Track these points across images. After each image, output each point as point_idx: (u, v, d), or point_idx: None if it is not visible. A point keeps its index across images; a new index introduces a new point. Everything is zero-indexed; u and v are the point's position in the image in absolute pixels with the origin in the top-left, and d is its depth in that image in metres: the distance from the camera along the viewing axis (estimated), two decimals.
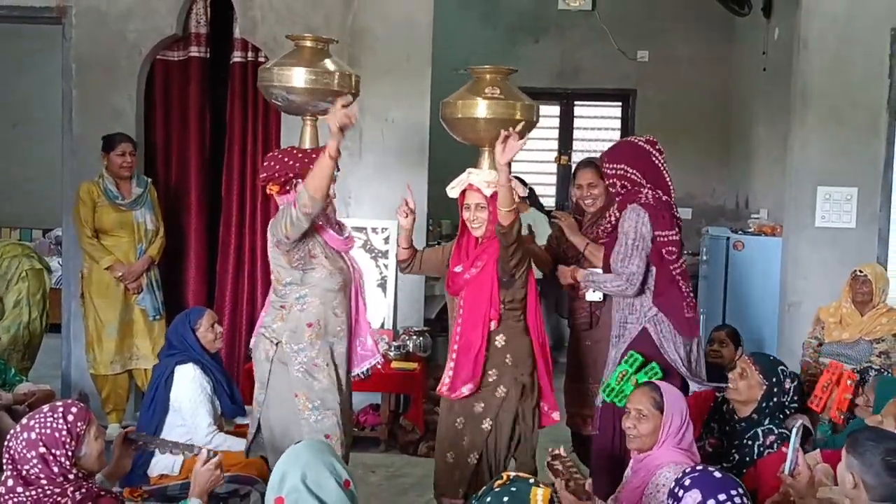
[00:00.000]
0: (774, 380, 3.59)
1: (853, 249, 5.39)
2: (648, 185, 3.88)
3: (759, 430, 3.54)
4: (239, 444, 3.98)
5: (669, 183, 3.94)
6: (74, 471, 2.74)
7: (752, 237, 6.34)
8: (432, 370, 5.79)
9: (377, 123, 5.69)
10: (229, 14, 5.84)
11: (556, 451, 3.02)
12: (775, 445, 3.46)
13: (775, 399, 3.59)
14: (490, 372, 3.81)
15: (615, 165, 3.93)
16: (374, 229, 5.70)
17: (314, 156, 3.60)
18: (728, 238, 6.37)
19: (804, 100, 5.47)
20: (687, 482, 2.61)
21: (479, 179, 3.81)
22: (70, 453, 2.73)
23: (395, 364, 5.45)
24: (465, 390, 3.80)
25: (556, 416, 3.98)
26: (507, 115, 3.83)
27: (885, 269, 5.23)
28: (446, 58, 6.31)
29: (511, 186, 3.62)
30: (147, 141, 5.90)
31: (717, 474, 2.64)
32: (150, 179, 5.58)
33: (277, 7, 5.68)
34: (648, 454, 3.26)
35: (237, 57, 5.86)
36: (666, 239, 3.84)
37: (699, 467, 2.71)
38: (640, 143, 3.98)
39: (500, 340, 3.81)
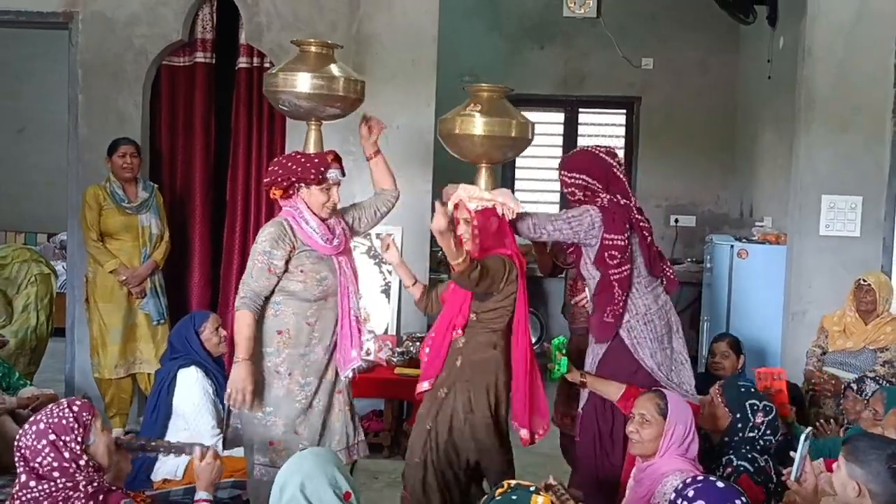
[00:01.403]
0: (739, 415, 3.51)
1: (858, 258, 5.39)
2: (605, 192, 3.86)
3: (723, 460, 3.48)
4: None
5: (626, 185, 3.92)
6: (85, 458, 2.78)
7: (756, 245, 6.33)
8: None
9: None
10: (235, 20, 5.86)
11: (549, 482, 2.95)
12: (731, 478, 3.35)
13: (741, 434, 3.50)
14: (441, 372, 3.81)
15: (574, 175, 3.89)
16: (377, 235, 5.69)
17: (316, 160, 3.69)
18: (732, 246, 6.36)
19: (809, 108, 5.47)
20: (690, 493, 2.59)
21: (464, 194, 3.80)
22: (80, 439, 2.78)
23: (398, 370, 5.45)
24: (426, 384, 3.83)
25: (524, 433, 3.86)
26: (501, 132, 3.84)
27: (890, 278, 5.22)
28: (452, 64, 6.34)
29: (449, 238, 3.49)
30: (153, 146, 5.92)
31: (720, 484, 2.62)
32: (156, 185, 5.61)
33: (283, 13, 5.70)
34: (651, 463, 3.25)
35: (243, 63, 5.88)
36: (610, 243, 3.80)
37: (700, 477, 2.70)
38: (599, 152, 3.94)
39: (458, 342, 3.78)
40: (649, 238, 3.93)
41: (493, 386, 3.78)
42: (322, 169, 3.67)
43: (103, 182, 5.43)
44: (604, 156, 3.93)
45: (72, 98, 5.81)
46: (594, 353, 3.96)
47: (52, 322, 6.00)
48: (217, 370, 4.18)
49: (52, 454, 2.73)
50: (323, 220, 3.72)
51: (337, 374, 3.79)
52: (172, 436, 3.99)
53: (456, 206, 3.83)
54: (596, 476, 3.84)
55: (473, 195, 3.80)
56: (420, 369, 5.34)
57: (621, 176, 3.92)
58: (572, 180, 3.90)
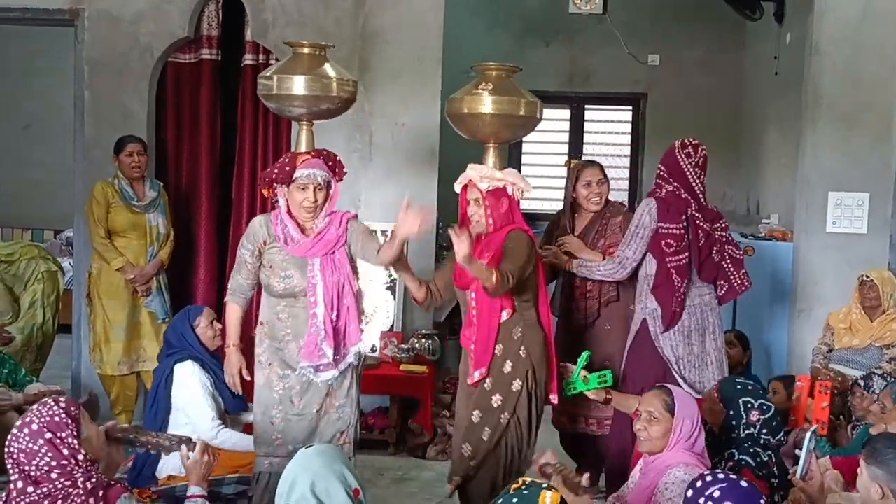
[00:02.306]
0: (732, 411, 3.51)
1: (864, 255, 5.37)
2: (672, 182, 4.06)
3: (725, 454, 3.49)
4: (246, 441, 4.00)
5: (691, 181, 4.07)
6: (83, 452, 2.76)
7: (762, 242, 6.30)
8: (441, 373, 5.79)
9: (387, 126, 5.69)
10: (241, 17, 5.85)
11: (545, 461, 3.07)
12: (733, 472, 3.35)
13: (735, 431, 3.49)
14: (507, 363, 3.80)
15: (659, 164, 4.18)
16: (383, 231, 5.68)
17: (288, 160, 3.76)
18: (738, 243, 6.34)
19: (816, 104, 5.45)
20: (716, 494, 2.54)
21: (475, 174, 3.82)
22: (75, 433, 2.76)
23: (403, 367, 5.45)
24: (477, 375, 3.81)
25: (553, 398, 3.95)
26: (510, 111, 3.90)
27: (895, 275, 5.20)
28: (457, 61, 6.30)
29: (476, 262, 3.57)
30: (158, 143, 5.92)
31: (744, 483, 2.59)
32: (161, 184, 5.61)
33: (289, 10, 5.69)
34: (658, 456, 3.25)
35: (248, 59, 5.87)
36: (667, 231, 3.98)
37: (721, 475, 2.64)
38: (676, 143, 4.16)
39: (516, 332, 3.81)
40: (703, 239, 4.04)
41: (547, 363, 3.87)
42: (288, 169, 3.70)
43: (111, 178, 5.43)
44: (678, 145, 4.13)
45: (77, 95, 5.82)
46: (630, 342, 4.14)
47: (59, 319, 6.01)
48: (214, 363, 4.20)
49: (49, 453, 2.70)
50: (299, 219, 3.73)
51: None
52: (174, 430, 4.00)
53: (465, 187, 3.84)
54: (623, 467, 3.89)
55: (485, 175, 3.82)
56: (425, 365, 5.41)
57: (687, 169, 4.07)
58: (657, 170, 4.18)
